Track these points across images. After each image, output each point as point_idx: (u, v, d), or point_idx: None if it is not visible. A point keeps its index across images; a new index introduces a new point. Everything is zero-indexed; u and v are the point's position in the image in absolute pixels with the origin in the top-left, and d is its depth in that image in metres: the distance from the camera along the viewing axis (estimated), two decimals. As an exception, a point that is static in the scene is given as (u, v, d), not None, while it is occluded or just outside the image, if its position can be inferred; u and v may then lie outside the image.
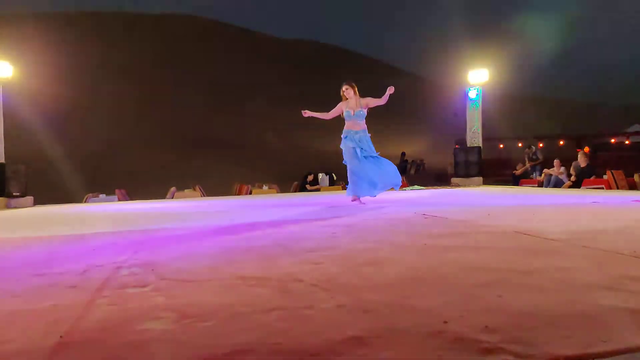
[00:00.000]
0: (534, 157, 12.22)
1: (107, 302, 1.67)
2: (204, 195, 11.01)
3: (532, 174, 11.87)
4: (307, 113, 6.07)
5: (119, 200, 10.56)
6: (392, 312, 1.46)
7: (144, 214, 5.97)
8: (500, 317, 1.36)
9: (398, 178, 5.91)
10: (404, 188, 10.80)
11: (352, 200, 5.90)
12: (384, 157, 5.95)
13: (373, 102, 5.79)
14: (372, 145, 5.87)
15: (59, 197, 11.44)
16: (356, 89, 5.85)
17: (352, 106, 5.79)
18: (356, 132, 5.80)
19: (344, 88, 5.85)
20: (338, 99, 5.98)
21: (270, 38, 62.67)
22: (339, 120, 5.99)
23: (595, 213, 4.29)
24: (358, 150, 5.73)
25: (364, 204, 5.79)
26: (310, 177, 11.82)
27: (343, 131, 5.93)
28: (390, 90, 5.54)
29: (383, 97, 5.66)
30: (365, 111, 5.84)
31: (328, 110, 6.03)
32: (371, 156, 5.79)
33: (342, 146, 5.93)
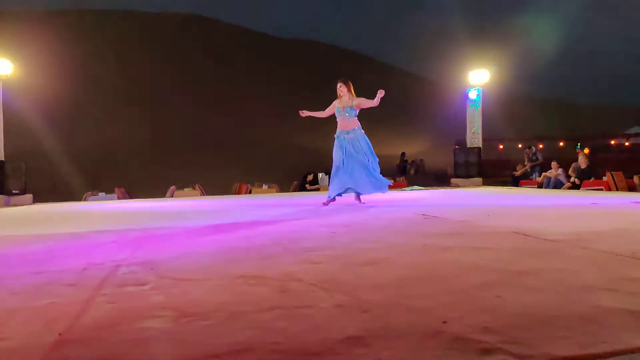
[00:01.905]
0: (533, 157, 12.21)
1: (106, 301, 1.67)
2: (204, 194, 10.99)
3: (532, 175, 11.86)
4: (304, 113, 6.08)
5: (119, 198, 10.55)
6: (391, 312, 1.46)
7: (143, 213, 5.97)
8: (499, 318, 1.36)
9: (379, 187, 5.74)
10: (403, 188, 10.80)
11: (323, 204, 5.81)
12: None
13: (365, 103, 5.74)
14: (367, 145, 5.72)
15: (58, 195, 11.43)
16: (351, 87, 5.82)
17: (344, 104, 5.80)
18: (347, 133, 5.75)
19: (338, 86, 5.85)
20: (336, 97, 5.98)
21: (269, 37, 62.62)
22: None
23: (594, 214, 4.30)
24: (343, 163, 5.68)
25: (364, 203, 5.79)
26: (309, 177, 11.82)
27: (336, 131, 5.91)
28: (381, 93, 5.45)
29: (375, 99, 5.58)
30: (356, 110, 5.79)
31: (325, 109, 6.04)
32: (360, 164, 5.64)
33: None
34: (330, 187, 5.90)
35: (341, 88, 5.82)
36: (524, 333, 1.23)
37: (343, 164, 5.70)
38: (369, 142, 5.80)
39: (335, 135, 5.87)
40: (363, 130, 5.82)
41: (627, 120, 33.04)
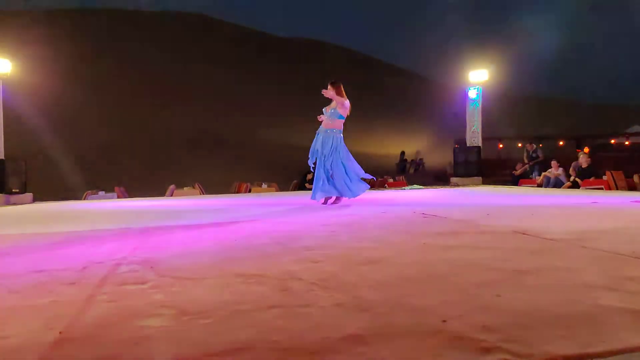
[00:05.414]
0: (533, 155, 12.17)
1: (107, 299, 1.67)
2: (203, 193, 10.99)
3: (532, 174, 11.84)
4: (322, 118, 6.04)
5: (119, 197, 10.55)
6: (390, 310, 1.46)
7: (143, 212, 5.97)
8: (499, 317, 1.36)
9: (353, 189, 5.76)
10: (403, 187, 10.79)
11: (321, 203, 5.83)
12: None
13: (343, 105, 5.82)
14: (334, 148, 5.71)
15: (58, 193, 11.42)
16: (341, 89, 5.78)
17: (331, 106, 5.84)
18: (325, 131, 5.82)
19: (328, 88, 5.87)
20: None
21: (269, 36, 62.58)
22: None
23: (594, 213, 4.30)
24: (316, 163, 5.78)
25: (339, 202, 5.79)
26: (309, 176, 11.79)
27: None
28: (327, 93, 5.63)
29: (339, 102, 5.71)
30: (340, 113, 5.79)
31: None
32: (324, 169, 5.70)
33: None
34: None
35: (330, 91, 5.81)
36: (524, 332, 1.23)
37: (318, 165, 5.81)
38: (339, 147, 5.77)
39: (317, 131, 5.93)
40: (341, 135, 5.83)
41: (627, 119, 33.01)
